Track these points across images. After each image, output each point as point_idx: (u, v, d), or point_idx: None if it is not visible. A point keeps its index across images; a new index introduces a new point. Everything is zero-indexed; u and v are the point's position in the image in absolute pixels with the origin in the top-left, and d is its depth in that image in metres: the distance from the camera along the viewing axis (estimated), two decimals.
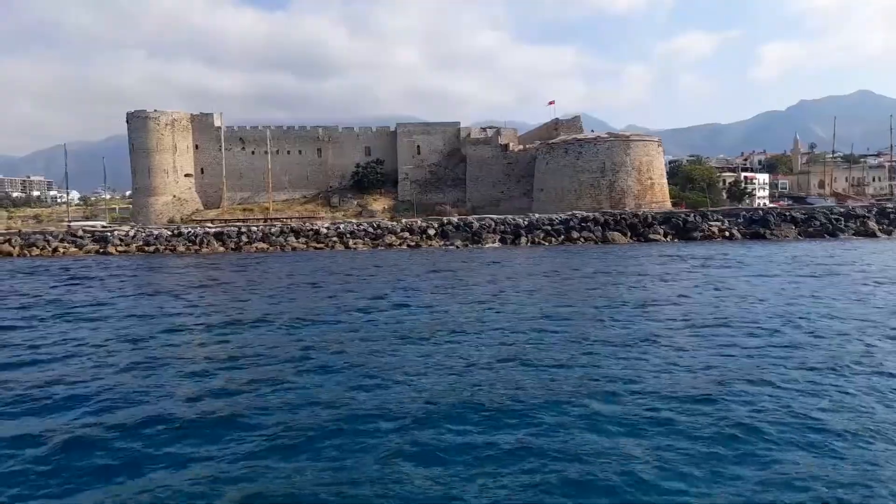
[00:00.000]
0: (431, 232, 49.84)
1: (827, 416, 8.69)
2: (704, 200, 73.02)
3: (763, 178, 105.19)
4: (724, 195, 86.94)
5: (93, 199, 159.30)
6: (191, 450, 8.10)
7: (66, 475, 7.49)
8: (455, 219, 52.59)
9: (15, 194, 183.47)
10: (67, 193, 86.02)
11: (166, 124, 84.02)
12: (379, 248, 48.85)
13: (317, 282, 27.21)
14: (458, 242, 47.60)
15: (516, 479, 7.05)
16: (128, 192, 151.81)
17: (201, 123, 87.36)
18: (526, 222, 50.49)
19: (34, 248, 52.18)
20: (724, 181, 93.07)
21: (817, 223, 46.73)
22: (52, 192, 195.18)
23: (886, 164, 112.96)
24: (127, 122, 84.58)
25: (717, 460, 7.40)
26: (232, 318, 17.98)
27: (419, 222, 52.27)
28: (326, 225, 53.56)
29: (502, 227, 50.09)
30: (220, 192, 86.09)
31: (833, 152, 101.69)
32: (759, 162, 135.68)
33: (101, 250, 51.21)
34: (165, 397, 10.33)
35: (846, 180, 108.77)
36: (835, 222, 46.63)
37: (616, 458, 7.47)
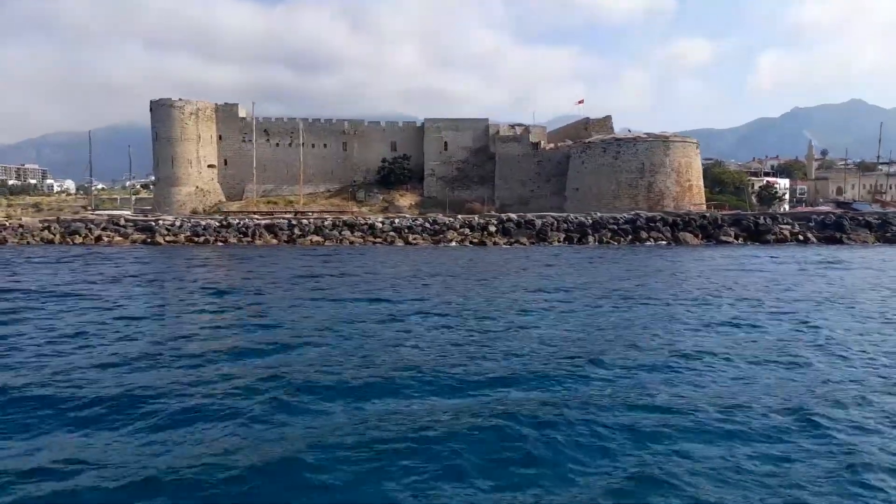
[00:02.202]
0: (492, 229, 48.53)
1: None
2: (744, 203, 72.50)
3: (784, 182, 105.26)
4: (755, 199, 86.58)
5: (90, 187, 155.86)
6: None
7: None
8: (515, 216, 51.28)
9: (11, 182, 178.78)
10: (91, 182, 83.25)
11: (191, 113, 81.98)
12: (441, 244, 47.33)
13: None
14: (525, 240, 46.33)
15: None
16: (128, 183, 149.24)
17: (226, 114, 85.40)
18: (590, 221, 49.36)
19: (76, 235, 50.21)
20: (753, 185, 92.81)
21: (894, 228, 46.51)
22: (49, 181, 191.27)
23: None
24: (150, 110, 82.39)
25: None
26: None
27: (477, 219, 50.95)
28: (381, 219, 52.06)
29: (565, 225, 48.93)
30: (243, 184, 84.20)
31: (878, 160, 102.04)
32: (772, 167, 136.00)
33: (149, 240, 49.33)
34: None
35: (864, 187, 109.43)
36: None
37: None
